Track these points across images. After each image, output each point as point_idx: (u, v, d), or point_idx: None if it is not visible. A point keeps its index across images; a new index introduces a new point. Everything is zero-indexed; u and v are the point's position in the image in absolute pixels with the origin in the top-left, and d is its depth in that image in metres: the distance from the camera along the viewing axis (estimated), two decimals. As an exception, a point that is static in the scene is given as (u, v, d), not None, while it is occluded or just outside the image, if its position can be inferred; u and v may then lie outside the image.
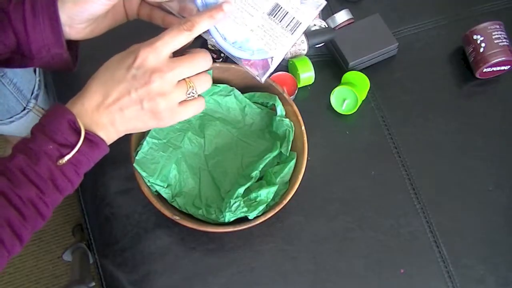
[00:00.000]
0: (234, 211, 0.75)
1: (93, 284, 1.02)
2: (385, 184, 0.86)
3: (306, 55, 0.93)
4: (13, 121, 0.98)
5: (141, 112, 0.60)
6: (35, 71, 0.97)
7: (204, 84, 0.63)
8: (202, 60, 0.62)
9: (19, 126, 1.02)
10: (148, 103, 0.59)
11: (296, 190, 0.76)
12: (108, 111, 0.59)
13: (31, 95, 0.97)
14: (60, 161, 0.56)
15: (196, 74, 0.62)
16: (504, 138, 0.92)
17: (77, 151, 0.57)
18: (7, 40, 0.62)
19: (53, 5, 0.61)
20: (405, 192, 0.86)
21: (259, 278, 0.80)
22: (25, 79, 0.94)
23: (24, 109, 0.97)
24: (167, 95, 0.59)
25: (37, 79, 0.98)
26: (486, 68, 0.92)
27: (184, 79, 0.61)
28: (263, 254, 0.81)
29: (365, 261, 0.81)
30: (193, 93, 0.62)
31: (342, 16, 0.97)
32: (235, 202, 0.75)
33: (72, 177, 0.58)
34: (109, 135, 0.61)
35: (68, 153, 0.56)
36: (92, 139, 0.58)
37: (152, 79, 0.58)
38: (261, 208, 0.75)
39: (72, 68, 0.69)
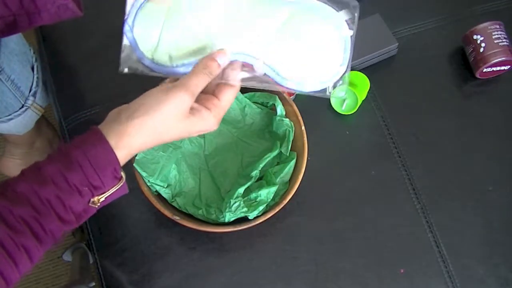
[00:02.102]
0: (234, 211, 0.75)
1: (93, 284, 1.02)
2: (385, 184, 0.86)
3: (306, 55, 0.93)
4: (11, 119, 0.98)
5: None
6: (32, 68, 0.97)
7: None
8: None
9: (18, 124, 1.01)
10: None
11: (296, 190, 0.76)
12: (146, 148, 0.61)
13: (29, 92, 0.97)
14: (93, 204, 0.57)
15: None
16: (504, 138, 0.92)
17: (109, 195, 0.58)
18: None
19: None
20: (405, 192, 0.86)
21: (259, 278, 0.80)
22: (23, 76, 0.94)
23: (22, 107, 0.97)
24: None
25: (35, 76, 0.98)
26: (486, 68, 0.92)
27: None
28: (263, 254, 0.81)
29: (365, 261, 0.81)
30: None
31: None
32: (235, 202, 0.75)
33: (92, 211, 0.58)
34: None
35: (99, 194, 0.57)
36: (123, 187, 0.59)
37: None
38: (261, 208, 0.75)
39: (79, 14, 0.68)
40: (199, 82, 0.60)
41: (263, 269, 0.80)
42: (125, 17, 0.63)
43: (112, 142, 0.56)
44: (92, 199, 0.56)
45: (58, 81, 0.96)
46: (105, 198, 0.58)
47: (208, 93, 0.62)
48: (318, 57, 0.64)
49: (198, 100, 0.61)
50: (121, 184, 0.58)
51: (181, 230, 0.79)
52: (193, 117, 0.60)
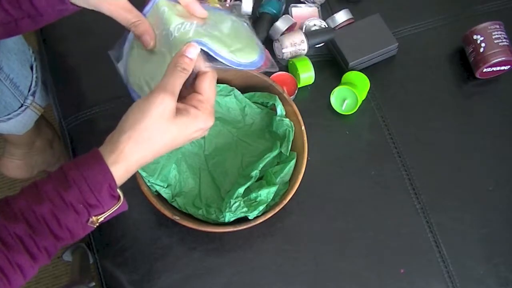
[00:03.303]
0: (234, 211, 0.75)
1: (93, 284, 1.02)
2: (385, 184, 0.86)
3: (306, 55, 0.93)
4: (10, 118, 0.98)
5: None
6: (31, 68, 0.97)
7: None
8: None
9: (17, 124, 1.01)
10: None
11: (296, 190, 0.76)
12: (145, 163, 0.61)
13: (28, 91, 0.97)
14: (91, 223, 0.57)
15: None
16: (504, 138, 0.92)
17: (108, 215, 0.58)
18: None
19: None
20: (405, 192, 0.86)
21: (259, 278, 0.79)
22: (22, 75, 0.94)
23: (21, 106, 0.97)
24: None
25: (34, 75, 0.98)
26: (486, 68, 0.92)
27: None
28: (263, 254, 0.81)
29: (365, 261, 0.81)
30: None
31: (342, 16, 0.97)
32: (235, 202, 0.75)
33: (89, 230, 0.59)
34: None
35: (98, 214, 0.57)
36: (122, 204, 0.59)
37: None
38: (261, 208, 0.75)
39: (77, 9, 0.69)
40: (175, 81, 0.60)
41: (263, 269, 0.80)
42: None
43: (108, 161, 0.56)
44: (90, 219, 0.57)
45: (58, 81, 0.96)
46: (104, 218, 0.58)
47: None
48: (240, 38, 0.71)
49: (182, 102, 0.61)
50: (119, 204, 0.59)
51: (181, 230, 0.79)
52: (182, 117, 0.60)
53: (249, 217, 0.75)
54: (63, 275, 1.31)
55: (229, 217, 0.75)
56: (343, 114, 0.91)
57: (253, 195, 0.76)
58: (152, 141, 0.58)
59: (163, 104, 0.58)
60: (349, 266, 0.81)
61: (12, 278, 0.54)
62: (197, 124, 0.61)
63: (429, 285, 0.81)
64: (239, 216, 0.75)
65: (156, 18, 0.69)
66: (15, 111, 0.97)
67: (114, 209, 0.58)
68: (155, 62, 0.69)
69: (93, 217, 0.57)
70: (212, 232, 0.76)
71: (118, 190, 0.58)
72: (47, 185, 0.55)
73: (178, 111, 0.60)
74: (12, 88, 0.93)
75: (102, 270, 0.81)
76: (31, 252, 0.54)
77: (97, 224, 0.58)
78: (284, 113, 0.81)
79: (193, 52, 0.62)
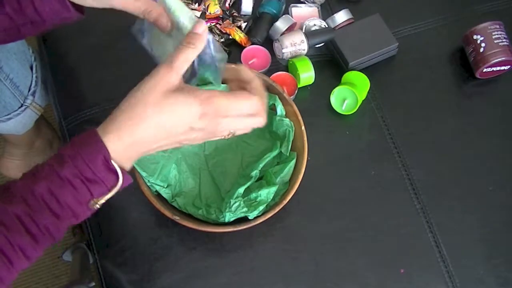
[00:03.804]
0: (234, 211, 0.75)
1: (93, 284, 1.02)
2: (385, 184, 0.86)
3: (306, 55, 0.93)
4: (10, 118, 0.97)
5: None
6: (31, 68, 0.97)
7: (244, 130, 0.63)
8: (248, 107, 0.61)
9: (17, 124, 1.01)
10: (191, 142, 0.61)
11: (296, 190, 0.76)
12: (149, 152, 0.59)
13: (28, 91, 0.97)
14: (92, 204, 0.56)
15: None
16: (504, 138, 0.92)
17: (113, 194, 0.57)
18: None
19: None
20: (405, 192, 0.86)
21: (259, 278, 0.79)
22: (22, 75, 0.94)
23: (21, 106, 0.97)
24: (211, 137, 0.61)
25: (34, 75, 0.98)
26: (486, 68, 0.92)
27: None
28: (263, 254, 0.81)
29: (365, 261, 0.81)
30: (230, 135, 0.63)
31: (342, 16, 0.97)
32: (235, 202, 0.75)
33: (92, 210, 0.57)
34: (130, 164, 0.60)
35: (102, 193, 0.56)
36: (126, 180, 0.57)
37: (207, 135, 0.60)
38: (261, 208, 0.75)
39: (82, 18, 0.69)
40: (179, 54, 0.58)
41: (263, 269, 0.80)
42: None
43: (101, 133, 0.55)
44: (91, 200, 0.56)
45: (58, 81, 0.96)
46: (105, 200, 0.57)
47: None
48: None
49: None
50: (120, 181, 0.56)
51: (181, 230, 0.79)
52: (177, 92, 0.56)
53: (249, 217, 0.75)
54: (63, 275, 1.31)
55: (229, 217, 0.75)
56: (343, 114, 0.91)
57: (253, 195, 0.76)
58: (145, 114, 0.56)
59: (162, 77, 0.56)
60: (349, 266, 0.81)
61: (15, 261, 0.53)
62: (189, 102, 0.56)
63: (429, 285, 0.81)
64: (239, 216, 0.75)
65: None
66: (15, 111, 0.97)
67: (116, 189, 0.56)
68: (170, 45, 0.68)
69: (95, 198, 0.56)
70: (212, 232, 0.76)
71: (113, 163, 0.55)
72: (44, 166, 0.55)
73: (179, 89, 0.57)
74: (12, 87, 0.93)
75: (102, 270, 0.81)
76: (32, 233, 0.53)
77: (97, 206, 0.56)
78: (284, 113, 0.81)
79: (200, 28, 0.60)
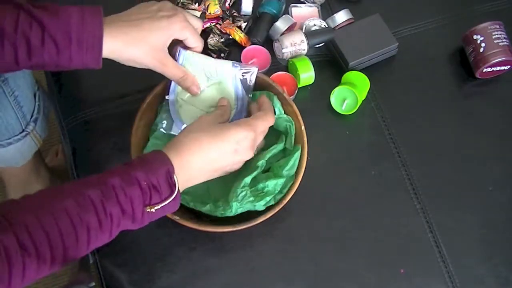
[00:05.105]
0: (241, 201, 0.74)
1: (93, 284, 1.02)
2: (385, 184, 0.86)
3: (306, 55, 0.93)
4: (11, 143, 0.97)
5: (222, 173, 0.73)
6: (35, 95, 0.97)
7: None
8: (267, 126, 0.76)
9: (16, 152, 1.00)
10: (232, 167, 0.73)
11: (296, 190, 0.76)
12: (208, 176, 0.71)
13: (31, 117, 0.97)
14: (149, 209, 0.63)
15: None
16: (504, 138, 0.92)
17: (165, 205, 0.64)
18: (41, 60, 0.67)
19: (99, 47, 0.67)
20: (405, 192, 0.86)
21: (259, 278, 0.79)
22: (26, 97, 0.94)
23: (22, 131, 0.96)
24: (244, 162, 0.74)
25: (37, 103, 0.98)
26: (486, 68, 0.92)
27: None
28: (263, 254, 0.81)
29: (365, 261, 0.81)
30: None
31: (342, 16, 0.97)
32: (242, 191, 0.75)
33: (144, 220, 0.64)
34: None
35: (156, 202, 0.63)
36: (177, 197, 0.65)
37: (245, 156, 0.73)
38: (268, 198, 0.75)
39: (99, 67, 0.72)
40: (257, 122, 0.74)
41: (263, 269, 0.80)
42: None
43: (164, 149, 0.67)
44: (149, 205, 0.63)
45: (58, 81, 0.96)
46: (161, 207, 0.63)
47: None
48: None
49: None
50: (174, 195, 0.64)
51: (181, 230, 0.79)
52: (226, 124, 0.73)
53: (256, 207, 0.75)
54: (63, 275, 1.31)
55: (236, 207, 0.74)
56: (343, 114, 0.91)
57: (261, 185, 0.76)
58: (200, 139, 0.68)
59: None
60: (349, 266, 0.81)
61: (80, 239, 0.59)
62: (238, 130, 0.70)
63: (429, 285, 0.81)
64: (245, 206, 0.75)
65: (190, 65, 0.80)
66: (16, 135, 0.96)
67: (170, 200, 0.64)
68: (211, 93, 0.81)
69: (152, 204, 0.63)
70: (212, 232, 0.76)
71: (176, 179, 0.64)
72: (116, 168, 0.64)
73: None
74: (16, 106, 0.92)
75: (102, 270, 0.81)
76: (99, 217, 0.60)
77: (153, 210, 0.63)
78: (282, 112, 0.81)
79: (224, 101, 0.80)
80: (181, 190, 0.66)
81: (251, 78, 0.81)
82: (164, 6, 0.74)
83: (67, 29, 0.65)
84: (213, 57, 0.85)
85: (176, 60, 0.78)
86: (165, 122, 0.80)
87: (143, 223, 0.64)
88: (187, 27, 0.75)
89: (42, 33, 0.64)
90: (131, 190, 0.61)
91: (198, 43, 0.78)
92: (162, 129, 0.80)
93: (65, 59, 0.67)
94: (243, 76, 0.81)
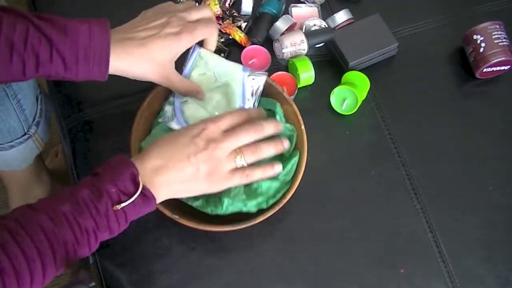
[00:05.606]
0: (233, 197, 0.74)
1: (93, 284, 1.02)
2: (385, 184, 0.86)
3: (306, 55, 0.93)
4: (13, 146, 0.97)
5: (197, 174, 0.68)
6: (37, 99, 0.97)
7: (253, 155, 0.71)
8: (253, 133, 0.71)
9: (17, 155, 1.00)
10: (203, 166, 0.68)
11: (296, 190, 0.76)
12: (167, 174, 0.67)
13: (33, 120, 0.97)
14: (117, 206, 0.62)
15: (248, 144, 0.71)
16: (504, 138, 0.92)
17: (132, 202, 0.63)
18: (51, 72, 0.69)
19: (105, 64, 0.69)
20: (405, 192, 0.86)
21: (259, 278, 0.79)
22: (29, 100, 0.94)
23: (24, 134, 0.96)
24: (220, 161, 0.69)
25: (39, 106, 0.98)
26: (486, 68, 0.92)
27: (235, 149, 0.70)
28: (263, 254, 0.81)
29: (365, 261, 0.81)
30: (241, 161, 0.70)
31: (342, 16, 0.97)
32: (235, 188, 0.74)
33: (121, 222, 0.64)
34: (160, 195, 0.68)
35: (125, 201, 0.63)
36: (146, 195, 0.65)
37: (209, 147, 0.68)
38: (260, 199, 0.75)
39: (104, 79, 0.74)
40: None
41: (263, 269, 0.80)
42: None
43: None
44: (117, 206, 0.62)
45: (58, 81, 0.96)
46: (128, 204, 0.63)
47: None
48: None
49: None
50: (138, 193, 0.63)
51: (181, 230, 0.79)
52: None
53: (247, 208, 0.75)
54: (63, 275, 1.31)
55: (227, 204, 0.74)
56: (343, 114, 0.91)
57: (254, 185, 0.76)
58: (170, 139, 0.69)
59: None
60: (349, 266, 0.81)
61: (58, 258, 0.59)
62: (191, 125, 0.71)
63: (429, 285, 0.81)
64: (237, 205, 0.74)
65: (204, 63, 0.81)
66: (18, 138, 0.96)
67: (135, 196, 0.63)
68: (218, 96, 0.81)
69: (122, 203, 0.62)
70: (212, 231, 0.76)
71: (139, 179, 0.64)
72: (82, 181, 0.64)
73: None
74: (18, 109, 0.92)
75: (102, 270, 0.81)
76: (74, 232, 0.60)
77: (118, 207, 0.62)
78: (284, 120, 0.81)
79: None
80: (161, 184, 0.67)
81: (260, 86, 0.81)
82: (171, 18, 0.74)
83: (75, 47, 0.67)
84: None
85: (189, 56, 0.79)
86: (167, 113, 0.80)
87: (121, 229, 0.65)
88: (195, 37, 0.76)
89: (51, 50, 0.66)
90: (101, 203, 0.61)
91: (209, 47, 0.81)
92: (163, 120, 0.81)
93: (72, 74, 0.69)
94: (251, 81, 0.81)
